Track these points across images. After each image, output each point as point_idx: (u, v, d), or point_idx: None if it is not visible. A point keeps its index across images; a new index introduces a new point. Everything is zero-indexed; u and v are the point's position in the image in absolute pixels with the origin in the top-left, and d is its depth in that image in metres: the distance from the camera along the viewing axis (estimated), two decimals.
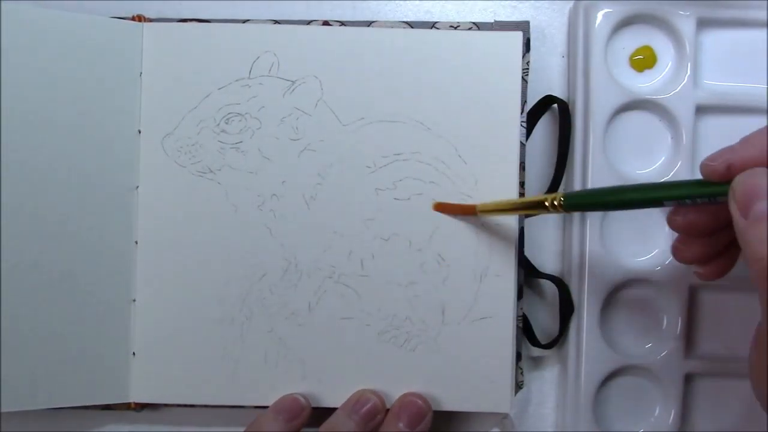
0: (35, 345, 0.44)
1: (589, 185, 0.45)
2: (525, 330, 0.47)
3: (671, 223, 0.38)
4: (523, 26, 0.45)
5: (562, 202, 0.38)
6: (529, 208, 0.42)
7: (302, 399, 0.45)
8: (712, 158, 0.34)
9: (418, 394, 0.45)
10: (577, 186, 0.46)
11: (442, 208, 0.45)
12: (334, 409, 0.45)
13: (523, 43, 0.45)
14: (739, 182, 0.32)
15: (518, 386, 0.46)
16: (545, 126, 0.49)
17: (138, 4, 0.48)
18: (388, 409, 0.44)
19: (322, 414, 0.45)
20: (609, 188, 0.38)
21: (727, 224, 0.34)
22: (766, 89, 0.47)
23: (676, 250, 0.39)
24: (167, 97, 0.46)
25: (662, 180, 0.46)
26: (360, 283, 0.45)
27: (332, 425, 0.43)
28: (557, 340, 0.47)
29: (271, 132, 0.45)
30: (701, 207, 0.36)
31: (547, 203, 0.39)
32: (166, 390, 0.46)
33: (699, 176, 0.46)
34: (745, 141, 0.34)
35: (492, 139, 0.45)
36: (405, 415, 0.43)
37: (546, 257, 0.49)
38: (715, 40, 0.47)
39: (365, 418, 0.43)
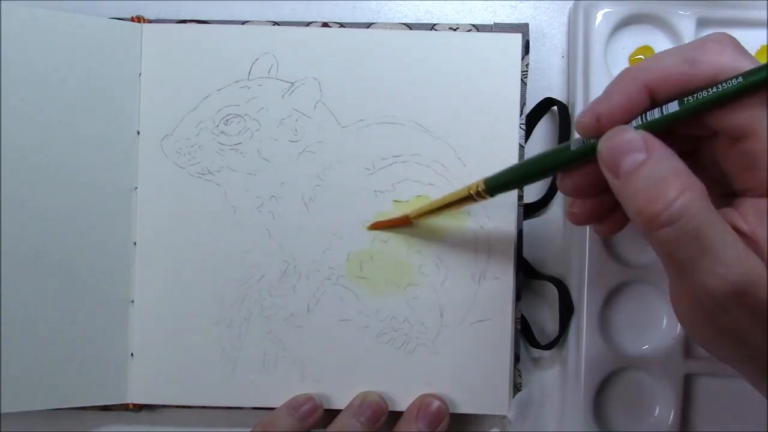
0: (34, 346, 0.44)
1: None
2: (524, 331, 0.47)
3: (562, 188, 0.37)
4: (523, 28, 0.45)
5: (483, 188, 0.38)
6: (455, 203, 0.41)
7: (317, 398, 0.45)
8: (582, 114, 0.34)
9: (436, 395, 0.45)
10: None
11: (376, 226, 0.45)
12: (331, 411, 0.45)
13: (523, 45, 0.45)
14: (603, 145, 0.32)
15: (516, 388, 0.46)
16: (544, 128, 0.49)
17: (137, 5, 0.48)
18: (390, 411, 0.45)
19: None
20: (522, 162, 0.38)
21: None
22: None
23: (571, 216, 0.39)
24: (166, 98, 0.46)
25: None
26: (359, 285, 0.45)
27: (340, 426, 0.43)
28: (557, 341, 0.47)
29: (270, 133, 0.45)
30: (587, 167, 0.35)
31: (471, 191, 0.39)
32: (164, 391, 0.46)
33: None
34: (608, 91, 0.34)
35: (491, 141, 0.45)
36: (424, 415, 0.44)
37: (545, 258, 0.48)
38: None
39: (371, 420, 0.44)
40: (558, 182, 0.37)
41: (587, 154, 0.34)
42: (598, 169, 0.33)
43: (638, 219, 0.30)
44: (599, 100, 0.34)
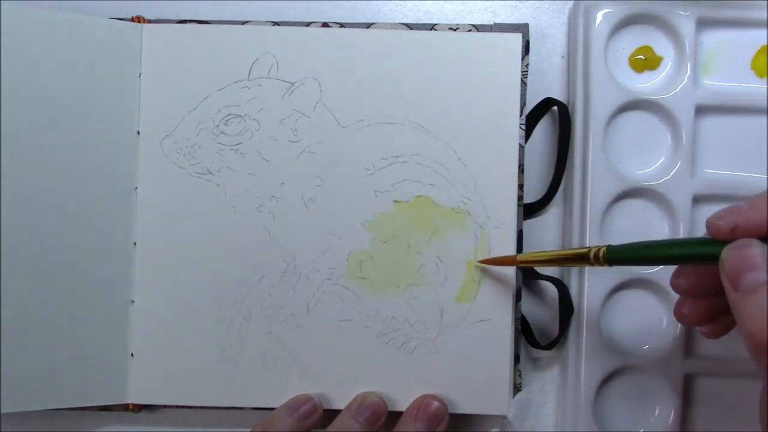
0: (35, 346, 0.44)
1: (589, 186, 0.45)
2: (524, 331, 0.47)
3: (675, 287, 0.37)
4: (523, 28, 0.45)
5: (604, 256, 0.37)
6: (569, 261, 0.41)
7: (316, 399, 0.45)
8: (717, 216, 0.33)
9: (436, 396, 0.45)
10: (578, 187, 0.46)
11: (484, 262, 0.44)
12: (331, 411, 0.45)
13: (523, 45, 0.45)
14: (728, 254, 0.32)
15: (516, 388, 0.46)
16: (544, 128, 0.49)
17: (137, 5, 0.48)
18: (390, 411, 0.45)
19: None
20: (648, 243, 0.37)
21: None
22: (766, 89, 0.47)
23: (679, 316, 0.39)
24: (166, 98, 0.46)
25: (662, 180, 0.46)
26: (359, 285, 0.45)
27: (339, 426, 0.43)
28: (557, 341, 0.47)
29: (270, 134, 0.45)
30: (702, 268, 0.35)
31: (591, 255, 0.38)
32: (164, 391, 0.46)
33: (699, 182, 0.46)
34: (751, 204, 0.32)
35: (491, 141, 0.45)
36: (423, 416, 0.44)
37: None
38: (715, 40, 0.47)
39: (370, 420, 0.43)
40: (671, 282, 0.37)
41: (714, 257, 0.33)
42: (716, 271, 0.32)
43: (749, 341, 0.30)
44: (739, 210, 0.33)
